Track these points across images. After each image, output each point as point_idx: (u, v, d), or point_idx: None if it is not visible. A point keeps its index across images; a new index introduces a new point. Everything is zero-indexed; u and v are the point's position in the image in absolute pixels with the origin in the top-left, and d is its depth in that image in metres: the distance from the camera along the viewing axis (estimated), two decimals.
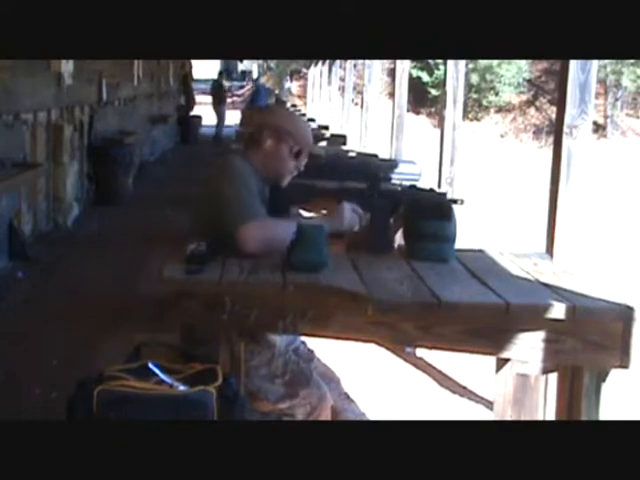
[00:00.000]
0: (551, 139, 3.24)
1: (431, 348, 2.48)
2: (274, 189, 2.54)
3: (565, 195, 2.59)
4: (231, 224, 2.25)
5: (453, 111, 4.75)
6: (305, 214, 2.80)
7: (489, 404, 3.28)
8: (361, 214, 2.53)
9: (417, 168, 5.06)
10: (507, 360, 2.06)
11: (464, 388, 3.89)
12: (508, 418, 2.10)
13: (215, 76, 20.57)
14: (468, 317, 2.04)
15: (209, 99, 19.06)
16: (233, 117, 17.51)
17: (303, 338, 2.54)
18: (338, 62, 13.51)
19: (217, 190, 2.36)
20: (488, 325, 2.05)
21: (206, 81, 23.80)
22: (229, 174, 2.40)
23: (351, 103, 11.99)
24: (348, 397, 2.77)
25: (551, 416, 2.22)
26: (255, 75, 25.17)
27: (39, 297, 4.95)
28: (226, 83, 22.13)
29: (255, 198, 2.37)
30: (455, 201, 2.57)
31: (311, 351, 2.61)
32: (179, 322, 2.11)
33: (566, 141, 2.56)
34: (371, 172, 2.77)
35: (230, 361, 2.13)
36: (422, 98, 25.77)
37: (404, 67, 6.90)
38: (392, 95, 7.35)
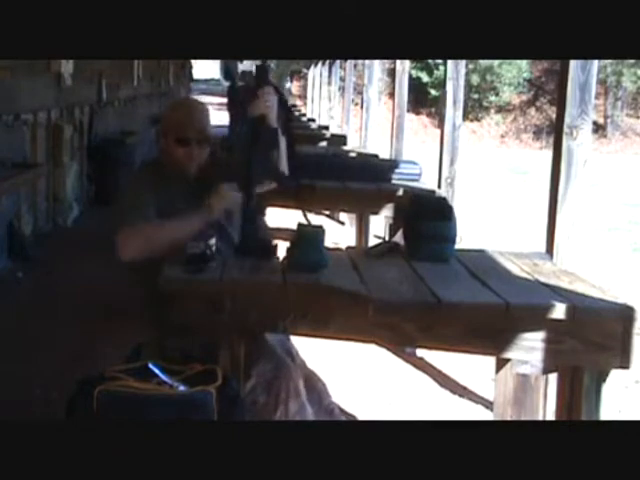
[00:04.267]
0: (551, 139, 3.24)
1: (431, 348, 2.49)
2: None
3: (565, 195, 2.59)
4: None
5: (453, 111, 4.75)
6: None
7: (489, 404, 3.28)
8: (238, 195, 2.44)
9: (417, 168, 5.07)
10: (507, 360, 2.06)
11: (464, 388, 3.89)
12: (508, 418, 2.10)
13: (215, 76, 20.56)
14: (468, 317, 2.04)
15: (208, 99, 19.04)
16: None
17: None
18: (338, 62, 13.49)
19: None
20: (488, 325, 2.05)
21: (206, 81, 23.79)
22: (122, 189, 2.49)
23: (351, 103, 11.98)
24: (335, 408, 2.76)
25: (551, 416, 2.22)
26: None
27: (39, 297, 4.95)
28: (225, 83, 22.08)
29: (141, 204, 2.37)
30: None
31: None
32: (179, 322, 2.11)
33: (566, 141, 2.56)
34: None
35: (230, 361, 2.14)
36: (422, 98, 25.75)
37: (404, 67, 6.90)
38: (392, 95, 7.35)
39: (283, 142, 2.53)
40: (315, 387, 2.54)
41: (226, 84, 22.63)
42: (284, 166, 2.53)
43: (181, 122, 2.49)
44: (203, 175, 2.52)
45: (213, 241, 2.23)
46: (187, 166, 2.49)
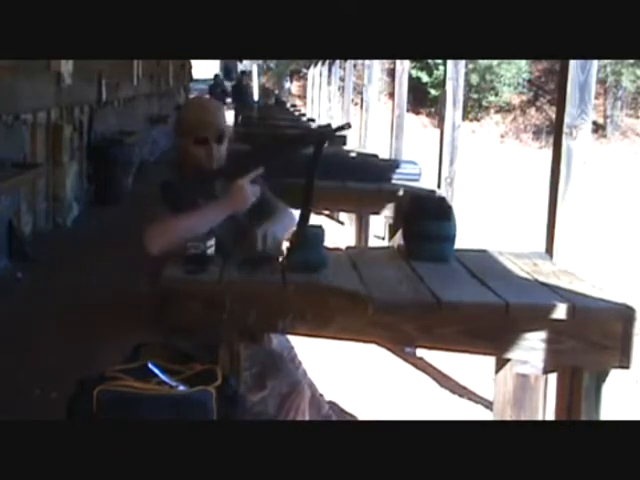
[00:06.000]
0: (551, 139, 3.24)
1: (431, 348, 2.48)
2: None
3: (565, 195, 2.59)
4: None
5: (453, 111, 4.75)
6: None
7: (489, 404, 3.28)
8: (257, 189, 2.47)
9: (417, 168, 5.06)
10: (507, 360, 2.06)
11: (464, 388, 3.89)
12: (508, 418, 2.10)
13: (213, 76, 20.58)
14: (468, 317, 2.04)
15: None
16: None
17: None
18: (338, 62, 13.49)
19: None
20: (488, 325, 2.05)
21: (205, 81, 23.75)
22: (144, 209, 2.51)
23: (351, 103, 11.99)
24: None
25: (551, 416, 2.22)
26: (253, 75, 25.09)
27: (39, 297, 4.95)
28: (227, 83, 22.10)
29: (160, 207, 2.41)
30: (343, 127, 2.54)
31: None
32: (179, 322, 2.11)
33: (566, 141, 2.55)
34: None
35: (230, 361, 2.13)
36: (422, 98, 25.76)
37: (404, 67, 6.90)
38: (392, 95, 7.35)
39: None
40: (314, 398, 2.56)
41: (228, 83, 22.54)
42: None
43: (198, 122, 2.49)
44: (224, 171, 2.52)
45: (212, 242, 2.23)
46: (208, 165, 2.49)
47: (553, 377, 2.14)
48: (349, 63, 11.82)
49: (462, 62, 4.91)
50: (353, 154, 6.14)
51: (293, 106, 17.44)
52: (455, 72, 4.70)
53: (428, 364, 4.14)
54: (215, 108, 2.57)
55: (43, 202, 6.89)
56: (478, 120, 26.66)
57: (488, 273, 2.30)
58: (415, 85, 22.09)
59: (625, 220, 10.58)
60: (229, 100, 18.83)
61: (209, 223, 2.36)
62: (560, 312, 2.01)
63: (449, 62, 4.76)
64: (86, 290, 4.98)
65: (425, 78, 26.13)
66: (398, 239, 2.69)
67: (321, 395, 2.67)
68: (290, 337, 2.60)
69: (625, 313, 2.01)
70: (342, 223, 8.27)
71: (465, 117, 20.51)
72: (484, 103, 27.04)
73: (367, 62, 8.55)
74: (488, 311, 2.06)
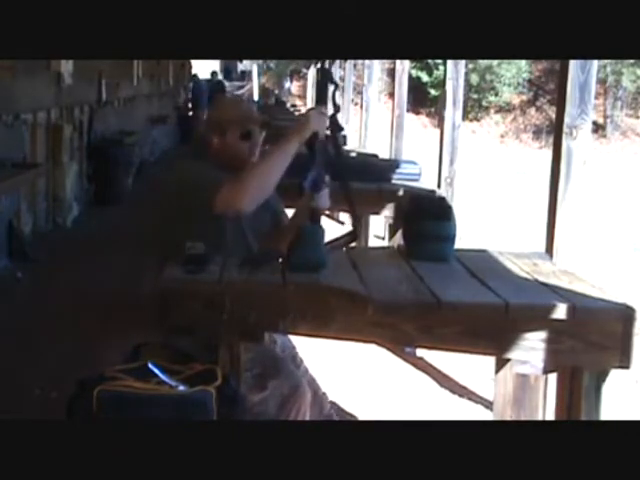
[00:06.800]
0: (551, 139, 3.24)
1: (431, 348, 2.49)
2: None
3: (565, 195, 2.59)
4: (214, 202, 2.27)
5: (453, 111, 4.75)
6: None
7: (489, 404, 3.28)
8: (326, 117, 2.39)
9: (417, 168, 5.07)
10: (507, 360, 2.06)
11: (464, 388, 3.89)
12: (508, 418, 2.10)
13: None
14: (468, 317, 2.04)
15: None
16: None
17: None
18: (338, 62, 13.50)
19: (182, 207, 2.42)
20: (488, 325, 2.05)
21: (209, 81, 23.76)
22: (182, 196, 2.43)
23: (351, 103, 11.99)
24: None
25: (551, 416, 2.22)
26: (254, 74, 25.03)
27: (39, 297, 4.95)
28: (227, 83, 22.05)
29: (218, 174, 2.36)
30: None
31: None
32: (179, 322, 2.11)
33: (566, 141, 2.55)
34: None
35: (230, 361, 2.13)
36: (422, 98, 25.76)
37: (404, 67, 6.90)
38: (392, 95, 7.35)
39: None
40: (316, 397, 2.55)
41: (227, 83, 22.50)
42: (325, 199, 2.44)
43: (243, 117, 2.51)
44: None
45: (202, 247, 2.21)
46: (251, 159, 2.50)
47: (553, 377, 2.14)
48: (349, 63, 11.82)
49: (462, 62, 4.92)
50: (353, 154, 6.14)
51: (293, 106, 17.45)
52: (455, 72, 4.70)
53: (428, 364, 4.15)
54: (249, 103, 2.60)
55: (43, 202, 6.89)
56: (478, 120, 26.66)
57: (488, 273, 2.30)
58: (415, 85, 22.08)
59: (625, 220, 10.58)
60: None
61: (286, 157, 2.31)
62: (560, 312, 2.01)
63: (449, 62, 4.76)
64: (86, 290, 4.98)
65: (425, 78, 26.13)
66: (398, 239, 2.69)
67: (324, 393, 2.66)
68: (291, 337, 2.60)
69: (625, 313, 2.01)
70: (342, 223, 8.27)
71: (465, 117, 20.51)
72: (484, 103, 27.05)
73: (367, 62, 8.56)
74: (488, 311, 2.06)
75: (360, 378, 3.86)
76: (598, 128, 23.98)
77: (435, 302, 2.04)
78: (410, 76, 8.26)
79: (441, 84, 4.98)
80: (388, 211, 4.67)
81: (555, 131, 2.68)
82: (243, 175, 2.32)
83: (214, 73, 20.59)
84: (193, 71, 20.14)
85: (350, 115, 11.32)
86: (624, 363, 2.02)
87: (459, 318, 2.04)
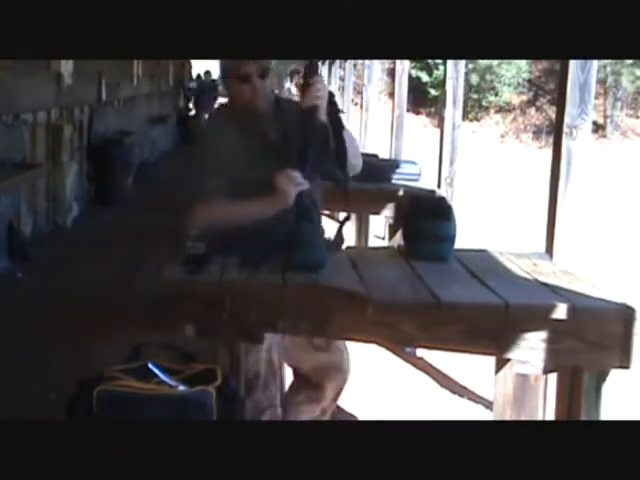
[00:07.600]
0: (551, 139, 3.24)
1: (431, 348, 2.48)
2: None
3: (565, 195, 2.59)
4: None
5: (453, 111, 4.75)
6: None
7: (489, 404, 3.28)
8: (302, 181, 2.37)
9: (417, 168, 5.07)
10: (507, 360, 2.06)
11: (464, 388, 3.89)
12: (508, 418, 2.10)
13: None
14: (468, 317, 2.04)
15: None
16: None
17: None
18: (338, 62, 13.50)
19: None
20: (488, 325, 2.05)
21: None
22: (200, 138, 2.65)
23: (351, 103, 11.99)
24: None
25: (551, 416, 2.22)
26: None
27: (38, 297, 4.95)
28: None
29: (216, 174, 2.42)
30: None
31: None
32: (179, 322, 2.11)
33: (566, 141, 2.55)
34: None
35: (229, 361, 2.13)
36: (422, 98, 25.73)
37: (404, 67, 6.90)
38: (392, 95, 7.35)
39: (332, 141, 2.45)
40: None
41: None
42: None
43: (236, 62, 2.49)
44: (273, 114, 2.54)
45: (202, 247, 2.23)
46: (255, 104, 2.48)
47: (553, 377, 2.14)
48: (349, 63, 11.82)
49: (462, 62, 4.91)
50: None
51: None
52: (455, 72, 4.70)
53: (428, 364, 4.15)
54: None
55: (43, 202, 6.89)
56: (478, 120, 26.64)
57: (488, 273, 2.30)
58: (415, 85, 22.06)
59: (625, 220, 10.57)
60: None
61: (262, 216, 2.31)
62: (560, 312, 2.01)
63: (449, 62, 4.76)
64: (86, 290, 4.98)
65: (425, 78, 26.10)
66: (398, 239, 2.69)
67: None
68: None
69: (625, 313, 2.01)
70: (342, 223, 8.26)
71: (465, 117, 20.50)
72: (484, 103, 27.02)
73: (367, 62, 8.56)
74: (488, 311, 2.06)
75: (360, 378, 3.86)
76: (598, 128, 23.96)
77: (435, 302, 2.04)
78: (410, 76, 8.26)
79: (441, 84, 4.97)
80: (388, 211, 4.67)
81: (555, 131, 2.68)
82: (212, 207, 2.42)
83: (207, 72, 20.24)
84: (193, 71, 20.04)
85: (350, 115, 11.31)
86: (624, 363, 2.02)
87: (459, 318, 2.04)
